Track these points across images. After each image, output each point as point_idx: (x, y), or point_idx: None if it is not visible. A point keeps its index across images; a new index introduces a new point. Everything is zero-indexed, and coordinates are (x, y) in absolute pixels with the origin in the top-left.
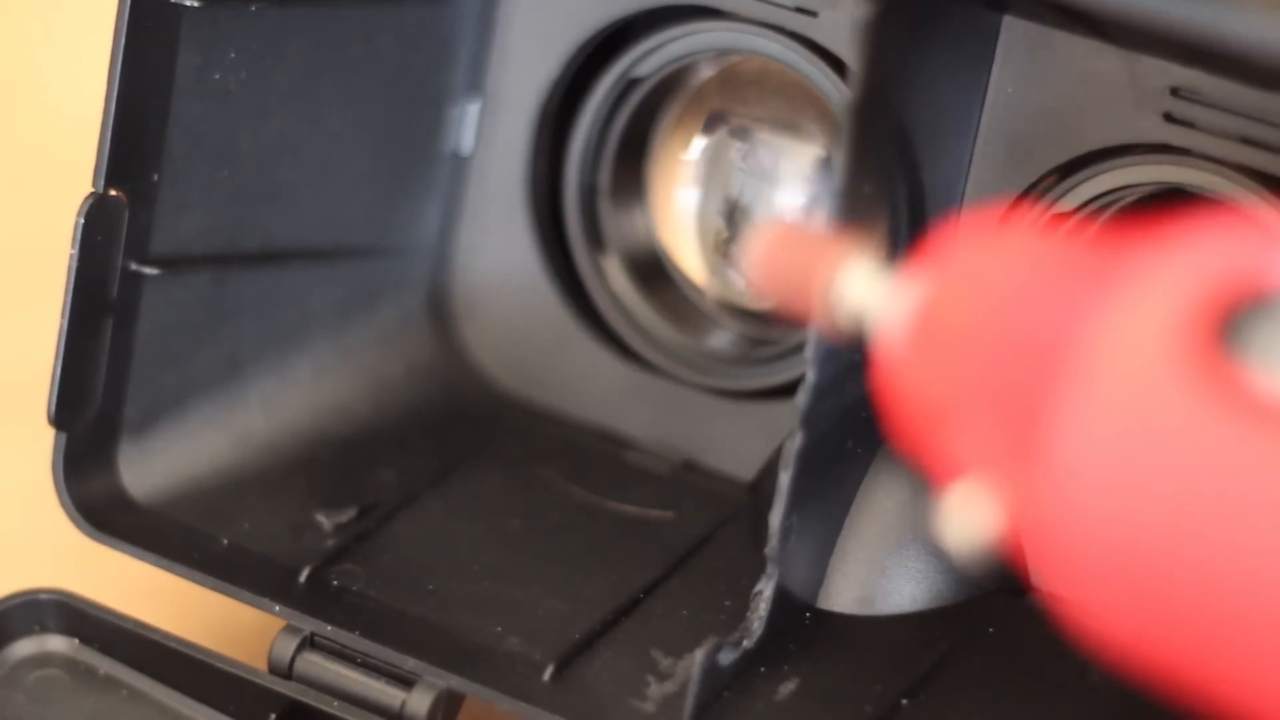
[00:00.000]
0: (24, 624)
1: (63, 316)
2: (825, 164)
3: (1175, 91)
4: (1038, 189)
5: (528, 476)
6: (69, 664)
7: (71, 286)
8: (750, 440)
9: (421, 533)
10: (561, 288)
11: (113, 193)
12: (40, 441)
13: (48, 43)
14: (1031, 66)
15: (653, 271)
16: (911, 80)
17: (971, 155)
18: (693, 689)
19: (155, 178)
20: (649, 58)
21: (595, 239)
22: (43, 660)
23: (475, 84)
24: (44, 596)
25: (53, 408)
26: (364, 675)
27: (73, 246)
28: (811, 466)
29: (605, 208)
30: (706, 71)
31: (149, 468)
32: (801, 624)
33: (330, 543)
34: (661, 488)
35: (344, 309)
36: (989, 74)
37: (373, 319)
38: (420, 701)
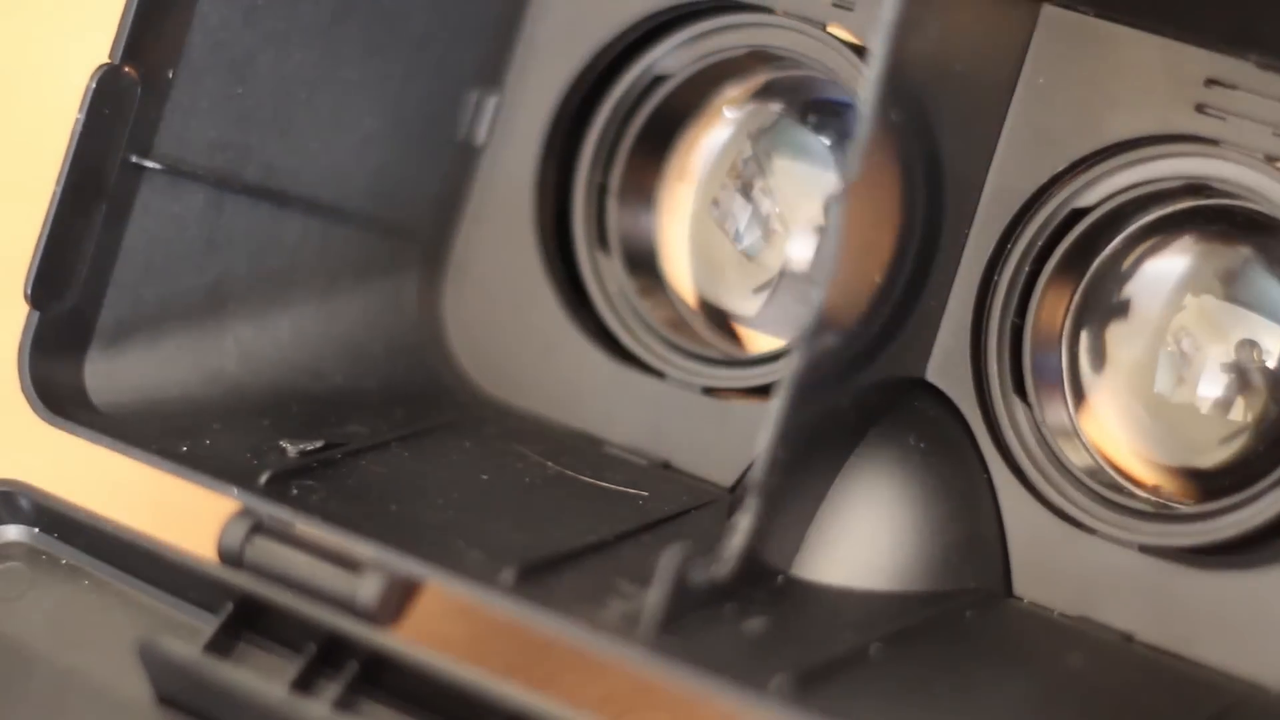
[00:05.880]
0: None
1: (57, 185)
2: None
3: (1211, 82)
4: (1061, 181)
5: (502, 450)
6: (30, 554)
7: (72, 153)
8: (734, 446)
9: (388, 470)
10: (558, 285)
11: (127, 69)
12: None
13: (47, 43)
14: (1066, 57)
15: (653, 273)
16: (937, 65)
17: (996, 144)
18: (656, 590)
19: (170, 74)
20: (677, 53)
21: (600, 239)
22: (2, 554)
23: (496, 75)
24: (1, 489)
25: (30, 282)
26: (316, 560)
27: (79, 112)
28: (806, 405)
29: (613, 208)
30: (731, 91)
31: (114, 379)
32: (773, 584)
33: (293, 462)
34: (639, 476)
35: (333, 273)
36: (1022, 63)
37: (360, 291)
38: (372, 586)
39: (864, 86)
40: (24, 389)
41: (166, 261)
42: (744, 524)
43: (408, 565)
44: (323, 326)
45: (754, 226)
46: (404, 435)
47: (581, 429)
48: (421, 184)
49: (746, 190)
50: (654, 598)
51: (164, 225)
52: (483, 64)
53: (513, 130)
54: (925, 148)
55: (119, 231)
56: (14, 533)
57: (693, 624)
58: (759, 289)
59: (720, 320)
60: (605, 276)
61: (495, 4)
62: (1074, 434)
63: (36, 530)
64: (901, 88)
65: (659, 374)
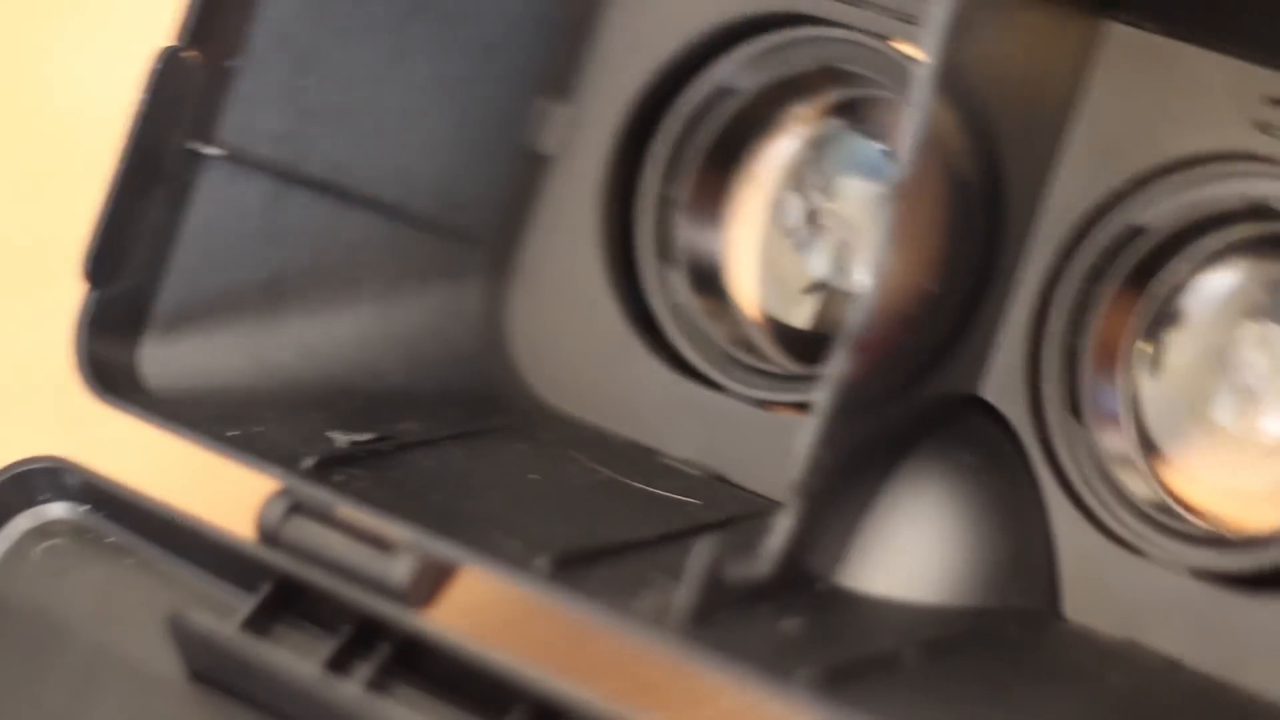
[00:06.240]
0: (27, 493)
1: (118, 162)
2: None
3: (1274, 101)
4: (1121, 198)
5: (555, 454)
6: (75, 532)
7: (132, 132)
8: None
9: (436, 464)
10: (621, 296)
11: (189, 53)
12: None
13: (46, 41)
14: (1129, 74)
15: (722, 291)
16: (994, 72)
17: (1057, 159)
18: (687, 582)
19: (234, 62)
20: (745, 67)
21: (665, 252)
22: (48, 530)
23: (567, 84)
24: (47, 465)
25: (88, 259)
26: (351, 540)
27: (141, 92)
28: (852, 407)
29: (679, 221)
30: (801, 109)
31: (169, 364)
32: (813, 589)
33: (341, 451)
34: (692, 486)
35: (396, 276)
36: (1085, 79)
37: (422, 296)
38: (405, 566)
39: (914, 87)
40: (78, 365)
41: (226, 250)
42: (784, 524)
43: (441, 547)
44: (383, 326)
45: (807, 224)
46: (458, 434)
47: (638, 440)
48: (488, 190)
49: (801, 189)
50: (684, 589)
51: (224, 214)
52: (553, 72)
53: (583, 140)
54: (986, 158)
55: (178, 216)
56: (62, 510)
57: (725, 620)
58: (808, 289)
59: (783, 334)
60: (668, 289)
61: (567, 12)
62: (1129, 456)
63: (84, 508)
64: (955, 91)
65: (718, 387)
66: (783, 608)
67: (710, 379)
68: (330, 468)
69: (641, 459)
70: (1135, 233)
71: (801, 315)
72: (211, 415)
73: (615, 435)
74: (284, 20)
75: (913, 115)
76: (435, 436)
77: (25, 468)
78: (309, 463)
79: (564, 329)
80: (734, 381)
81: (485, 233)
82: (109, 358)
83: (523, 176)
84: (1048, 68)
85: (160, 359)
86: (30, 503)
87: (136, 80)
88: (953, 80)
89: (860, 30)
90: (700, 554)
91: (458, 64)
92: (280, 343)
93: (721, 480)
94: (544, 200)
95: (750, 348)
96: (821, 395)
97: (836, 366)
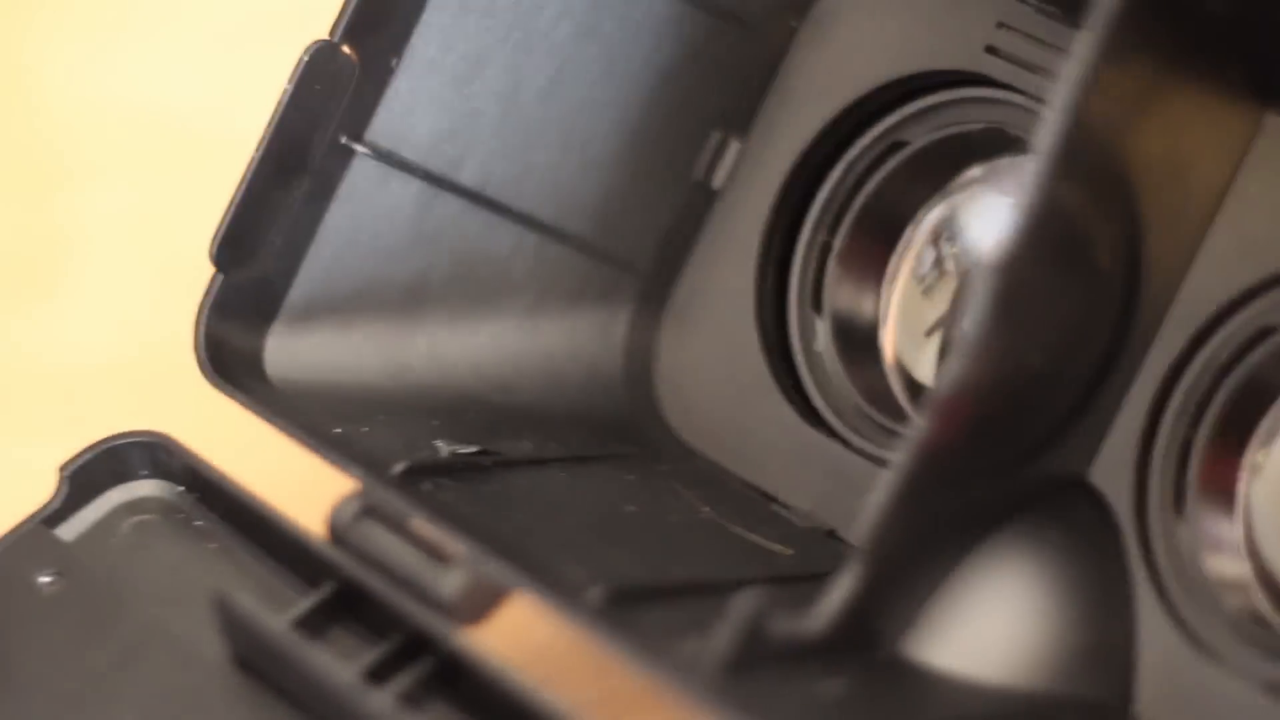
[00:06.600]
0: (125, 467)
1: (257, 150)
2: None
3: None
4: (1256, 295)
5: (661, 488)
6: (166, 510)
7: (276, 121)
8: None
9: (533, 485)
10: (766, 339)
11: (345, 49)
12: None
13: (46, 41)
14: None
15: (862, 343)
16: (1141, 149)
17: (1199, 247)
18: (724, 629)
19: (394, 62)
20: (916, 120)
21: (815, 300)
22: (140, 506)
23: (743, 121)
24: (147, 440)
25: (217, 243)
26: (413, 550)
27: (289, 82)
28: (937, 475)
29: (832, 269)
30: (974, 171)
31: (295, 356)
32: (871, 656)
33: (438, 461)
34: (795, 536)
35: (542, 292)
36: (1238, 169)
37: (568, 316)
38: (456, 581)
39: (1034, 155)
40: (196, 347)
41: (368, 249)
42: (844, 583)
43: (494, 567)
44: (522, 342)
45: (934, 269)
46: (568, 458)
47: (758, 484)
48: (649, 218)
49: (935, 240)
50: (721, 636)
51: (369, 213)
52: (728, 107)
53: (751, 178)
54: (1126, 241)
55: (320, 210)
56: (157, 487)
57: (763, 674)
58: (929, 331)
59: (913, 389)
60: (811, 336)
61: (750, 50)
62: (1229, 560)
63: (180, 489)
64: (1089, 164)
65: (844, 441)
66: (831, 669)
67: (837, 432)
68: (421, 475)
69: (752, 503)
70: (1265, 333)
71: (926, 366)
72: (323, 409)
73: (735, 476)
74: (449, 26)
75: (1032, 177)
76: (543, 457)
77: (123, 441)
78: (399, 467)
79: (706, 364)
80: (860, 437)
81: (640, 260)
82: (232, 343)
83: (685, 208)
84: (1200, 153)
85: (287, 349)
86: (127, 477)
87: (137, 80)
88: (1084, 149)
89: (1033, 97)
90: (743, 603)
91: (629, 89)
92: (413, 347)
93: (831, 535)
94: (704, 234)
95: (888, 406)
96: (898, 455)
97: (916, 428)
